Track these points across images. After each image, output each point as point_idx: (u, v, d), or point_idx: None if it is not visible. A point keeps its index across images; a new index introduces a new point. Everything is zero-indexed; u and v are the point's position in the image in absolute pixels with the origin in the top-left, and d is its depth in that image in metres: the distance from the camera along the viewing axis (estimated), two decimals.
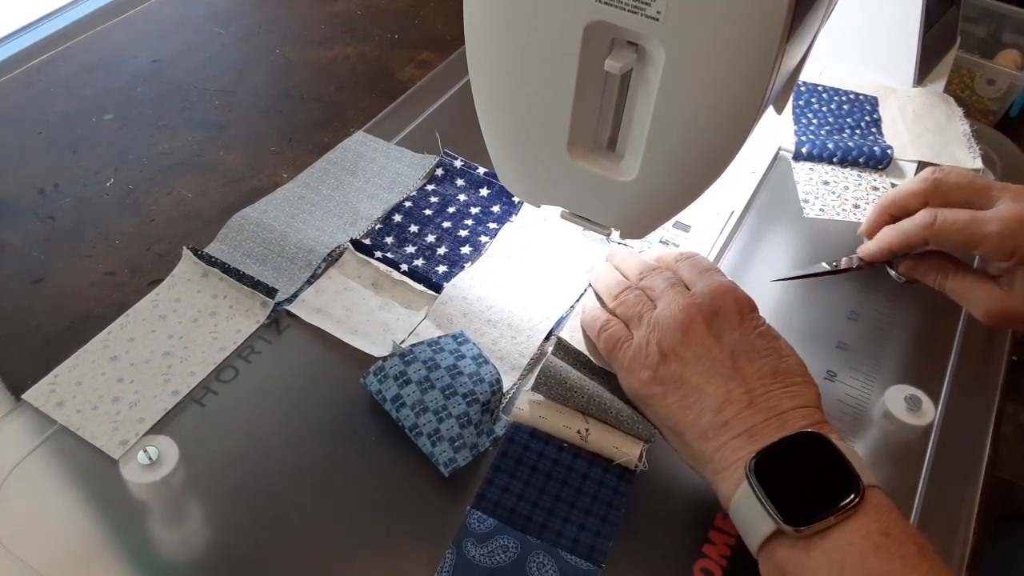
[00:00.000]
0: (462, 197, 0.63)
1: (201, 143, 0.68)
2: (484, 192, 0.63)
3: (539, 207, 0.52)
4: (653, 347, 0.46)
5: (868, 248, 0.55)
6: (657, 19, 0.38)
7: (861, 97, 0.76)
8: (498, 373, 0.50)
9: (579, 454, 0.48)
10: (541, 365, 0.49)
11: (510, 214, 0.62)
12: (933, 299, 0.60)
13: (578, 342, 0.52)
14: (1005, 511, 0.76)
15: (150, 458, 0.45)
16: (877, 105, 0.74)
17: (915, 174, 0.70)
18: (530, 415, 0.49)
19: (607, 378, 0.50)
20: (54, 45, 0.76)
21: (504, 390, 0.50)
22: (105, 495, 0.44)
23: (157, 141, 0.68)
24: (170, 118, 0.70)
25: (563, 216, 0.52)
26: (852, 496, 0.38)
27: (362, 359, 0.52)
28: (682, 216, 0.62)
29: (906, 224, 0.53)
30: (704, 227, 0.63)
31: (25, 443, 0.46)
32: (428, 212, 0.61)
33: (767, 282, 0.59)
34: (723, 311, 0.46)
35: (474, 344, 0.51)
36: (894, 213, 0.54)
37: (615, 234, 0.52)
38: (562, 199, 0.51)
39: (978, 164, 0.71)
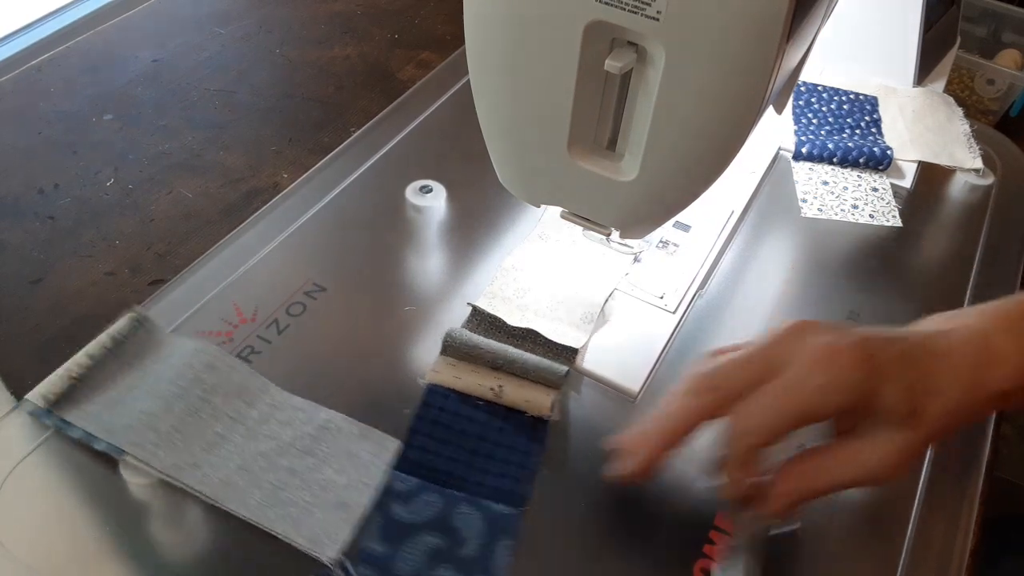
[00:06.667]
0: None
1: (201, 143, 0.68)
2: None
3: (539, 207, 0.52)
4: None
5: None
6: (657, 19, 0.38)
7: (861, 97, 0.76)
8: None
9: (493, 410, 0.49)
10: (446, 331, 0.51)
11: None
12: (933, 299, 0.60)
13: (495, 308, 0.55)
14: (1005, 511, 0.76)
15: None
16: (877, 105, 0.74)
17: (915, 174, 0.71)
18: (444, 376, 0.50)
19: (521, 339, 0.53)
20: (54, 45, 0.76)
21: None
22: (105, 496, 0.44)
23: (157, 141, 0.68)
24: (170, 118, 0.70)
25: (563, 216, 0.52)
26: None
27: (360, 363, 0.52)
28: (682, 216, 0.62)
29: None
30: (704, 227, 0.63)
31: (25, 443, 0.46)
32: None
33: (766, 282, 0.59)
34: None
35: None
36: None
37: (615, 234, 0.52)
38: (562, 199, 0.50)
39: (978, 164, 0.72)
